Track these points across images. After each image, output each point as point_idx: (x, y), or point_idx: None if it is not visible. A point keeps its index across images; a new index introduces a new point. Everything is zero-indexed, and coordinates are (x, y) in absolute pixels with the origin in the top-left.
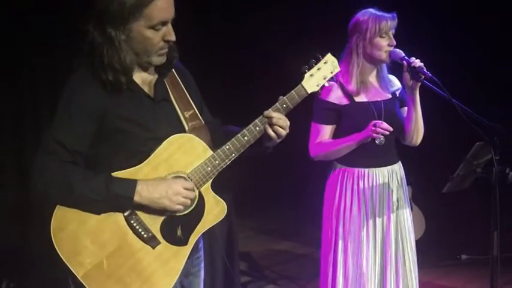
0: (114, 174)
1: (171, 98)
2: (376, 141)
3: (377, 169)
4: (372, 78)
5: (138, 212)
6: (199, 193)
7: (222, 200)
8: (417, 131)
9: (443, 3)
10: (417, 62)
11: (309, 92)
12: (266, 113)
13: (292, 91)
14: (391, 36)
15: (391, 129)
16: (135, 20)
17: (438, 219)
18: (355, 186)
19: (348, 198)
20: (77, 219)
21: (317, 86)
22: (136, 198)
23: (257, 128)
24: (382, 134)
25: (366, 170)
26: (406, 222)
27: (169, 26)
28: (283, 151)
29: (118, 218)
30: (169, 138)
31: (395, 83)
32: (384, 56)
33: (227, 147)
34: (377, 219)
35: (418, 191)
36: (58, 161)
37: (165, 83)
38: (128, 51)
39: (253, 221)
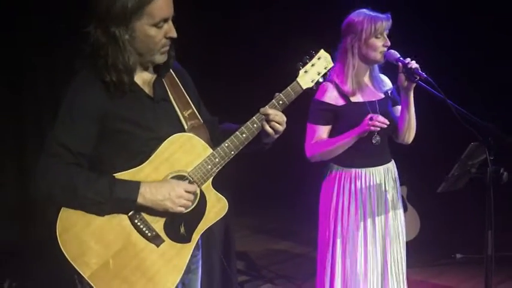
0: (117, 175)
1: (170, 97)
2: (373, 141)
3: (373, 168)
4: (366, 78)
5: (142, 212)
6: (201, 191)
7: (223, 197)
8: (410, 130)
9: (437, 4)
10: (413, 63)
11: (304, 88)
12: (262, 110)
13: (288, 88)
14: (386, 36)
15: (387, 122)
16: (137, 19)
17: (433, 219)
18: (353, 187)
19: (346, 199)
20: (81, 220)
21: (312, 81)
22: (140, 200)
23: (255, 125)
24: (380, 127)
25: (363, 170)
26: (400, 222)
27: (170, 23)
28: (281, 150)
29: (122, 218)
30: (169, 137)
31: (387, 83)
32: (378, 56)
33: (226, 144)
34: (376, 218)
35: (413, 191)
36: (62, 163)
37: (163, 82)
38: (132, 52)
39: (250, 220)
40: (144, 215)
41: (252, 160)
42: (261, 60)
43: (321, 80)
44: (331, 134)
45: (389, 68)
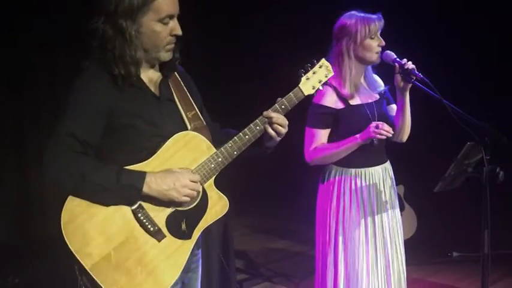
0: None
1: (175, 98)
2: (375, 141)
3: (372, 168)
4: (361, 79)
5: (145, 206)
6: (203, 189)
7: (225, 197)
8: (405, 129)
9: (430, 4)
10: (409, 64)
11: (306, 94)
12: (266, 113)
13: (290, 93)
14: (380, 37)
15: (392, 132)
16: (144, 14)
17: (430, 218)
18: (353, 186)
19: (347, 198)
20: (86, 212)
21: (313, 88)
22: (145, 189)
23: (257, 127)
24: (385, 136)
25: (363, 169)
26: (397, 221)
27: (176, 21)
28: (279, 151)
29: (126, 212)
30: (175, 135)
31: (380, 83)
32: (375, 57)
33: (229, 145)
34: (375, 217)
35: (410, 190)
36: (70, 151)
37: (169, 83)
38: (138, 46)
39: (249, 219)
40: (147, 209)
41: (254, 161)
42: (263, 63)
43: (321, 88)
44: (330, 137)
45: (381, 68)
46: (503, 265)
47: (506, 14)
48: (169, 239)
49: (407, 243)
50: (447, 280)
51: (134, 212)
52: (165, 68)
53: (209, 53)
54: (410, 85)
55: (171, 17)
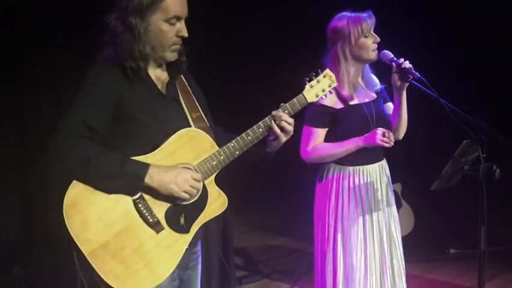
0: None
1: (180, 99)
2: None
3: (369, 166)
4: (359, 79)
5: (146, 197)
6: (203, 185)
7: (224, 194)
8: (402, 127)
9: (423, 4)
10: (406, 63)
11: (309, 101)
12: (275, 112)
13: (294, 99)
14: (373, 33)
15: (393, 141)
16: (152, 13)
17: (427, 215)
18: (351, 184)
19: (346, 195)
20: (89, 198)
21: (316, 96)
22: (147, 180)
23: (260, 130)
24: (389, 145)
25: (360, 167)
26: (394, 218)
27: (183, 23)
28: (279, 149)
29: (127, 201)
30: (179, 131)
31: (377, 82)
32: (372, 54)
33: (232, 144)
34: (373, 214)
35: (407, 188)
36: (77, 135)
37: (175, 84)
38: (146, 43)
39: (248, 217)
40: (148, 200)
41: (255, 165)
42: (265, 66)
43: (324, 97)
44: (328, 136)
45: (378, 67)
46: (499, 261)
47: (499, 13)
48: (167, 231)
49: (405, 240)
50: (445, 277)
51: (135, 202)
52: (171, 68)
53: (212, 54)
54: (407, 84)
55: (178, 18)
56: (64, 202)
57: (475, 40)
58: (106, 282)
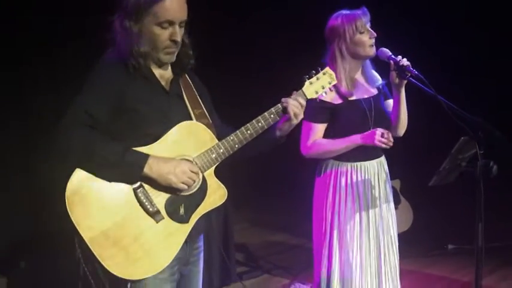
0: None
1: (183, 95)
2: None
3: (368, 162)
4: (358, 75)
5: (146, 187)
6: (203, 177)
7: (223, 186)
8: (401, 124)
9: (420, 1)
10: (404, 61)
11: (308, 98)
12: (284, 99)
13: (293, 95)
14: (369, 29)
15: (392, 142)
16: (146, 16)
17: (425, 211)
18: (349, 180)
19: (343, 192)
20: (91, 185)
21: (315, 93)
22: (147, 169)
23: (259, 124)
24: (387, 146)
25: (359, 163)
26: (391, 215)
27: (176, 27)
28: (278, 145)
29: (127, 190)
30: (180, 123)
31: (378, 78)
32: (369, 50)
33: (231, 138)
34: (370, 210)
35: (406, 184)
36: (81, 124)
37: (179, 82)
38: (141, 44)
39: (249, 213)
40: (148, 189)
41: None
42: (266, 67)
43: (324, 94)
44: (327, 131)
45: (378, 63)
46: (496, 257)
47: (497, 10)
48: (167, 221)
49: (403, 236)
50: (443, 272)
51: (135, 191)
52: (176, 67)
53: (212, 54)
54: (405, 81)
55: (170, 22)
56: (66, 188)
57: (473, 37)
58: (106, 269)
